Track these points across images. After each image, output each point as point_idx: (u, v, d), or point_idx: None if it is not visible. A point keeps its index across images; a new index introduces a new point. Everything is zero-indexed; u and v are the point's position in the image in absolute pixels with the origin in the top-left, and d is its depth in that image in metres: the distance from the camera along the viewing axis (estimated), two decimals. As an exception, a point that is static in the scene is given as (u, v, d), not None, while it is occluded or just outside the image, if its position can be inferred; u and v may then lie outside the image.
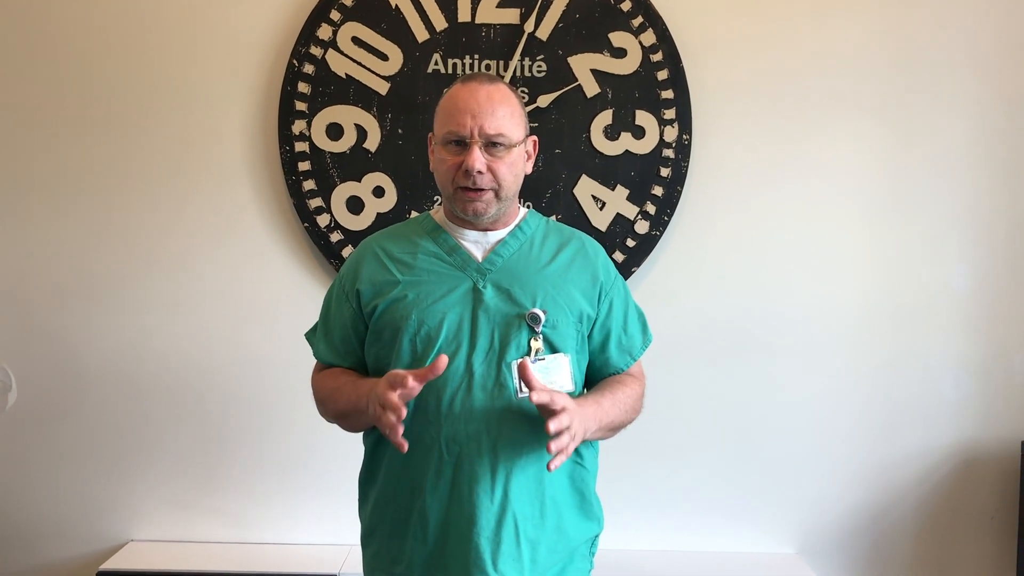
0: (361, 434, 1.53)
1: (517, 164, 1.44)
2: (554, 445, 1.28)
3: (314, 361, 1.59)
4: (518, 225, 1.51)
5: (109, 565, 2.24)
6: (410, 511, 1.43)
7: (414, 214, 2.33)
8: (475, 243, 1.48)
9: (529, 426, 1.41)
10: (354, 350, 1.51)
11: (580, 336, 1.47)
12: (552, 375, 1.41)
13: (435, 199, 2.33)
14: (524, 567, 1.40)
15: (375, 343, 1.47)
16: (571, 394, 1.42)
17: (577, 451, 1.48)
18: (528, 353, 1.40)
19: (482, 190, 1.41)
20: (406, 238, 1.51)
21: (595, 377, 1.54)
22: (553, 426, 1.26)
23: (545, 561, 1.43)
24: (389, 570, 1.46)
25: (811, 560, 2.42)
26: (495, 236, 1.48)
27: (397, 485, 1.45)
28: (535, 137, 1.50)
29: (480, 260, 1.46)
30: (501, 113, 1.39)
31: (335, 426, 1.51)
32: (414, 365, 1.39)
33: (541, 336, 1.41)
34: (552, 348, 1.43)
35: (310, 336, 1.60)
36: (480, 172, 1.38)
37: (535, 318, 1.41)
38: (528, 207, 1.65)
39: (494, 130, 1.38)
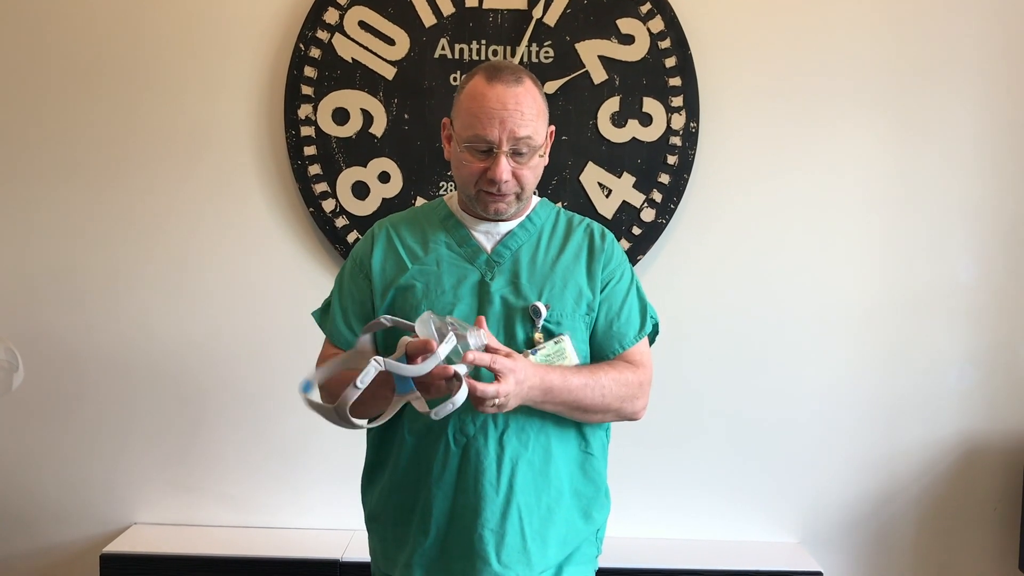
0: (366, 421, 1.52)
1: (540, 165, 1.45)
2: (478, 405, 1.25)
3: (319, 343, 1.56)
4: (528, 217, 1.50)
5: (112, 548, 2.25)
6: (415, 500, 1.43)
7: (419, 199, 2.32)
8: (485, 233, 1.48)
9: (537, 419, 1.41)
10: None
11: (589, 325, 1.47)
12: (556, 361, 1.40)
13: (441, 185, 2.33)
14: (531, 559, 1.40)
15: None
16: None
17: (584, 439, 1.48)
18: (532, 345, 1.40)
19: (506, 195, 1.41)
20: (419, 225, 1.51)
21: (594, 360, 1.51)
22: (479, 391, 1.23)
23: (552, 552, 1.43)
24: (394, 558, 1.46)
25: (814, 549, 2.43)
26: (505, 227, 1.48)
27: (404, 474, 1.45)
28: (553, 127, 1.48)
29: (489, 252, 1.46)
30: (529, 116, 1.37)
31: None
32: None
33: (542, 329, 1.41)
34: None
35: (319, 316, 1.57)
36: (506, 181, 1.38)
37: (536, 311, 1.41)
38: (540, 197, 1.63)
39: (523, 134, 1.36)
